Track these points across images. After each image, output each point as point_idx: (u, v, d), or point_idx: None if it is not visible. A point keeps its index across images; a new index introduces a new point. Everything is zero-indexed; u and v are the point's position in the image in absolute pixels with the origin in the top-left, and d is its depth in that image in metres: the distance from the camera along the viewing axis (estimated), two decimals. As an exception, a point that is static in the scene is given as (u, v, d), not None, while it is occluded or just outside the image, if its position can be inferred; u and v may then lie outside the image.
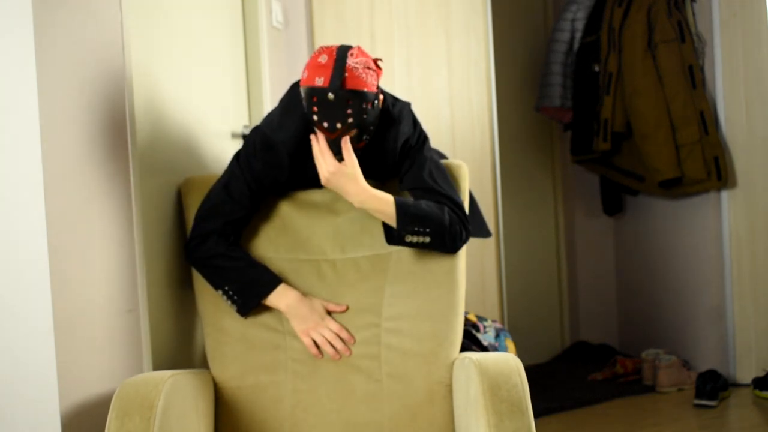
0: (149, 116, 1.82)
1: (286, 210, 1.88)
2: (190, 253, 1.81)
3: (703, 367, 3.47)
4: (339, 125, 1.67)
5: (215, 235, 1.79)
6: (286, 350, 1.80)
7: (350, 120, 1.67)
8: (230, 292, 1.78)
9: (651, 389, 3.42)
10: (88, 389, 1.51)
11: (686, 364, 3.46)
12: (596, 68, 3.62)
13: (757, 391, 3.20)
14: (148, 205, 1.77)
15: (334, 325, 1.80)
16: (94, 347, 1.54)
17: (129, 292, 1.66)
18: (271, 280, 1.80)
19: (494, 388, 1.51)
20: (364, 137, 1.75)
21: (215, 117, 2.27)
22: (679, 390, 3.39)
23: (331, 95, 1.64)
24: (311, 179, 1.81)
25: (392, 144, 1.81)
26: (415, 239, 1.74)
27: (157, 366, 1.77)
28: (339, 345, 1.79)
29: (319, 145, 1.72)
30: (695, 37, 3.42)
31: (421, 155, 1.83)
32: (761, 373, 3.29)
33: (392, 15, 3.09)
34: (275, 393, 1.77)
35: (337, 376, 1.78)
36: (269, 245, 1.85)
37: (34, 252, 1.38)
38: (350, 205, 1.81)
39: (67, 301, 1.44)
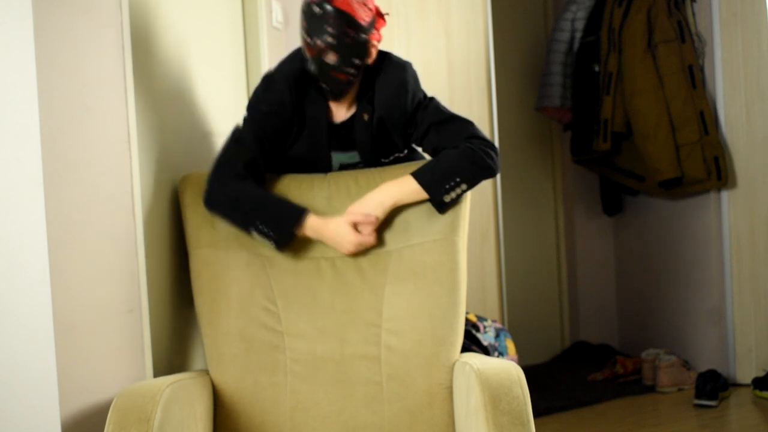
0: (149, 116, 1.81)
1: (286, 210, 1.87)
2: (211, 201, 1.81)
3: (703, 367, 3.47)
4: (318, 42, 1.76)
5: (232, 179, 1.80)
6: (285, 351, 1.79)
7: (329, 39, 1.76)
8: (264, 229, 1.77)
9: (651, 389, 3.42)
10: (88, 389, 1.50)
11: (686, 364, 3.46)
12: (596, 68, 3.62)
13: (757, 391, 3.20)
14: (149, 205, 1.77)
15: (370, 240, 1.81)
16: (94, 348, 1.53)
17: (129, 292, 1.66)
18: (299, 210, 1.80)
19: (495, 400, 1.50)
20: (347, 70, 1.80)
21: (215, 116, 2.27)
22: (679, 390, 3.39)
23: (317, 9, 1.76)
24: (316, 139, 1.89)
25: (402, 94, 1.87)
26: (454, 194, 1.80)
27: (158, 367, 1.77)
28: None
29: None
30: (695, 37, 3.42)
31: (431, 104, 1.92)
32: (761, 373, 3.29)
33: (392, 15, 3.09)
34: (274, 394, 1.77)
35: (337, 377, 1.78)
36: (269, 245, 1.85)
37: (34, 252, 1.38)
38: (348, 202, 1.84)
39: (67, 302, 1.43)
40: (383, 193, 1.81)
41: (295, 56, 1.91)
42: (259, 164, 1.85)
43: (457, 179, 1.79)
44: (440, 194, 1.80)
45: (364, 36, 1.80)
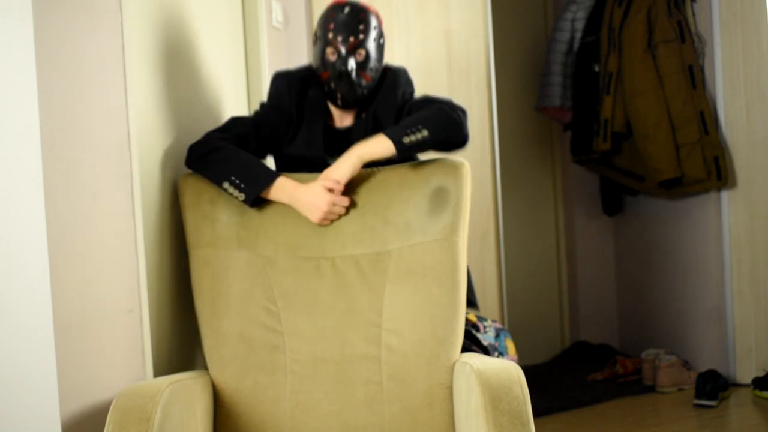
0: (149, 116, 1.82)
1: (285, 206, 1.87)
2: (192, 155, 1.87)
3: (703, 367, 3.47)
4: (351, 38, 1.89)
5: (218, 139, 1.89)
6: (285, 351, 1.79)
7: (361, 36, 1.90)
8: (237, 181, 1.81)
9: (651, 389, 3.42)
10: (88, 389, 1.50)
11: (686, 364, 3.46)
12: (596, 68, 3.62)
13: (757, 391, 3.20)
14: (149, 205, 1.77)
15: (343, 202, 1.84)
16: (94, 348, 1.53)
17: (129, 292, 1.66)
18: (272, 172, 1.86)
19: (495, 400, 1.49)
20: (371, 73, 1.93)
21: (215, 116, 2.27)
22: (679, 390, 3.39)
23: (346, 9, 1.92)
24: (312, 139, 1.97)
25: (393, 88, 1.98)
26: (413, 138, 1.81)
27: (158, 367, 1.77)
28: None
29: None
30: (695, 37, 3.42)
31: (419, 97, 2.01)
32: (761, 373, 3.29)
33: (392, 15, 3.09)
34: (274, 394, 1.77)
35: (337, 378, 1.78)
36: (267, 243, 1.85)
37: (34, 252, 1.38)
38: (351, 201, 1.86)
39: (67, 302, 1.43)
40: (351, 153, 1.84)
41: (304, 67, 2.06)
42: (249, 140, 1.94)
43: (419, 126, 1.82)
44: (399, 135, 1.81)
45: (383, 40, 1.97)
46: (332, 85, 1.93)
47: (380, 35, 1.96)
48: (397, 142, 1.80)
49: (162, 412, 1.46)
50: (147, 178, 1.77)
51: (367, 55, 1.91)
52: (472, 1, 3.17)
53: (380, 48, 1.96)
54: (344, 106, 1.95)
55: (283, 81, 2.01)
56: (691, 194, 3.53)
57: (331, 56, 1.91)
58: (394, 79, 2.00)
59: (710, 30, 3.39)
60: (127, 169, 1.66)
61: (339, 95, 1.93)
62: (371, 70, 1.93)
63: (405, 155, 1.84)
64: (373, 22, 1.93)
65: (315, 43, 1.97)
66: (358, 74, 1.91)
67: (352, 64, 1.89)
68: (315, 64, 1.98)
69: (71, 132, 1.48)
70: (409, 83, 2.03)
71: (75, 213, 1.49)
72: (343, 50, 1.89)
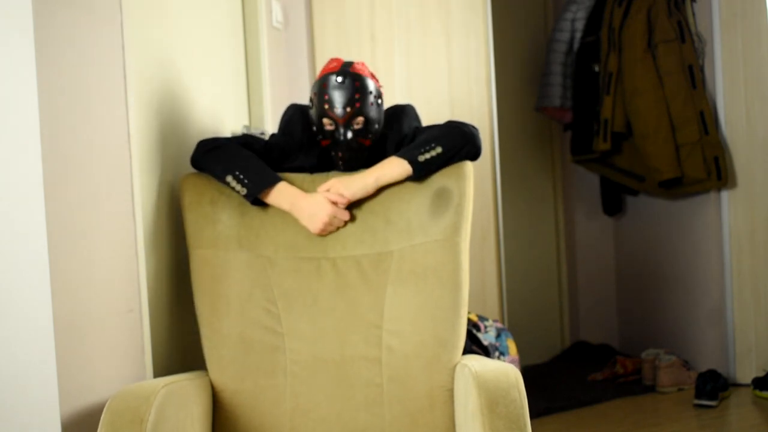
0: (149, 116, 1.82)
1: (286, 210, 1.87)
2: (199, 149, 1.87)
3: (703, 367, 3.46)
4: (348, 108, 1.85)
5: (227, 140, 1.90)
6: (285, 352, 1.79)
7: (357, 104, 1.86)
8: (241, 176, 1.81)
9: (651, 389, 3.41)
10: (88, 389, 1.50)
11: (686, 364, 3.46)
12: (596, 68, 3.62)
13: (757, 391, 3.20)
14: (149, 205, 1.77)
15: (344, 216, 1.85)
16: (94, 348, 1.53)
17: (129, 292, 1.66)
18: (276, 175, 1.86)
19: (492, 404, 1.48)
20: (370, 135, 1.89)
21: (215, 117, 2.27)
22: (679, 390, 3.39)
23: (340, 77, 1.86)
24: (317, 157, 1.96)
25: (398, 118, 1.98)
26: (428, 155, 1.83)
27: (158, 367, 1.77)
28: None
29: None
30: (695, 37, 3.42)
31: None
32: (761, 373, 3.29)
33: (392, 15, 3.09)
34: (274, 396, 1.77)
35: (337, 379, 1.77)
36: (268, 243, 1.85)
37: (34, 252, 1.38)
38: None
39: (67, 302, 1.43)
40: (367, 174, 1.86)
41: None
42: (257, 153, 1.92)
43: (432, 144, 1.84)
44: (414, 155, 1.83)
45: (381, 101, 1.92)
46: (332, 153, 1.91)
47: (378, 96, 1.92)
48: (412, 162, 1.82)
49: (156, 413, 1.45)
50: (147, 178, 1.77)
51: (366, 121, 1.88)
52: (472, 1, 3.17)
53: (378, 108, 1.92)
54: (347, 170, 1.92)
55: (296, 111, 2.00)
56: (691, 194, 3.53)
57: (329, 126, 1.88)
58: (399, 108, 2.00)
59: (710, 30, 3.39)
60: (127, 170, 1.66)
61: (341, 162, 1.91)
62: (371, 133, 1.90)
63: (421, 174, 1.84)
64: (369, 86, 1.88)
65: (311, 107, 1.93)
66: (357, 141, 1.88)
67: (350, 134, 1.87)
68: (315, 129, 1.93)
69: (71, 132, 1.48)
70: (417, 118, 2.02)
71: (75, 213, 1.49)
72: (340, 121, 1.86)
